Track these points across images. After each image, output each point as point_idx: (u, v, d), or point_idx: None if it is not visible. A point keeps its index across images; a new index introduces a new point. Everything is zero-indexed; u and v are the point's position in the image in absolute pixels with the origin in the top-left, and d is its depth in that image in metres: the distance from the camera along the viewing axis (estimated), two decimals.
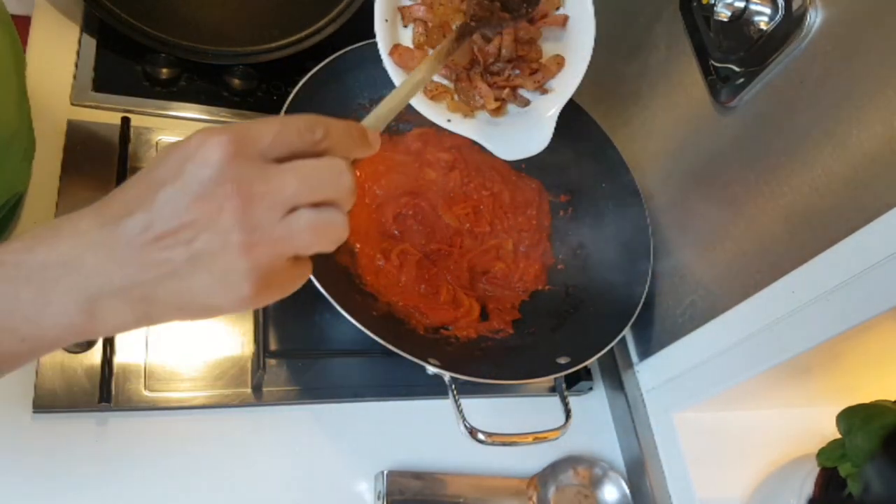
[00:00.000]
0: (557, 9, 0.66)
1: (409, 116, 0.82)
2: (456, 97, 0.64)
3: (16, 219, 0.68)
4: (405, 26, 0.62)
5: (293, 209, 0.34)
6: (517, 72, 0.64)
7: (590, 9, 0.65)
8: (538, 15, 0.65)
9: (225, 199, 0.32)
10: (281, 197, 0.34)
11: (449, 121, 0.63)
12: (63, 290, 0.33)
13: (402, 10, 0.63)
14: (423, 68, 0.47)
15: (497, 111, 0.65)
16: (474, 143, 0.85)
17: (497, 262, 0.80)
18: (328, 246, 0.36)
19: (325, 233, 0.35)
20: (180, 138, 0.81)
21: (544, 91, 0.66)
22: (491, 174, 0.84)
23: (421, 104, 0.63)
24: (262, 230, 0.33)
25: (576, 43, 0.66)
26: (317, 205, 0.35)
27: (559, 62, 0.65)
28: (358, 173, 0.76)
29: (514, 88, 0.65)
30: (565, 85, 0.66)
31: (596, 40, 0.65)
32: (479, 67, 0.63)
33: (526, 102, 0.66)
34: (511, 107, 0.67)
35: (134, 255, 0.33)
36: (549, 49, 0.67)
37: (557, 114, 0.65)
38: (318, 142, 0.35)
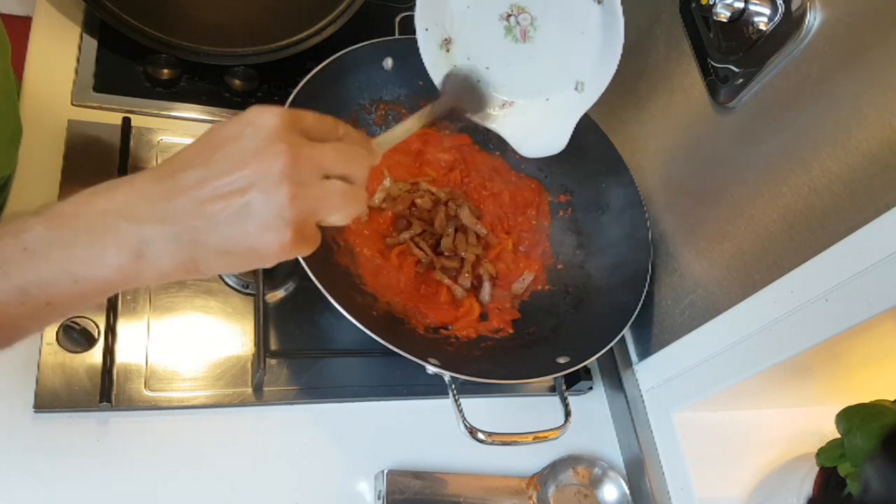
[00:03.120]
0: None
1: (408, 117, 0.81)
2: None
3: (4, 204, 0.67)
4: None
5: (327, 177, 0.40)
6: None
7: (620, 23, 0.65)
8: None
9: (278, 156, 0.37)
10: (322, 161, 0.39)
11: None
12: (117, 234, 0.37)
13: None
14: (408, 124, 0.55)
15: None
16: (474, 142, 0.86)
17: (497, 262, 0.80)
18: (349, 213, 0.41)
19: (350, 200, 0.41)
20: (182, 139, 0.81)
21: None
22: (491, 174, 0.84)
23: None
24: (305, 186, 0.38)
25: (607, 44, 0.67)
26: (343, 179, 0.41)
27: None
28: None
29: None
30: (595, 85, 0.69)
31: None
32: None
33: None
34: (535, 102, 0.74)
35: (188, 204, 0.37)
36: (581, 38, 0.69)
37: (581, 115, 0.70)
38: (340, 137, 0.43)
